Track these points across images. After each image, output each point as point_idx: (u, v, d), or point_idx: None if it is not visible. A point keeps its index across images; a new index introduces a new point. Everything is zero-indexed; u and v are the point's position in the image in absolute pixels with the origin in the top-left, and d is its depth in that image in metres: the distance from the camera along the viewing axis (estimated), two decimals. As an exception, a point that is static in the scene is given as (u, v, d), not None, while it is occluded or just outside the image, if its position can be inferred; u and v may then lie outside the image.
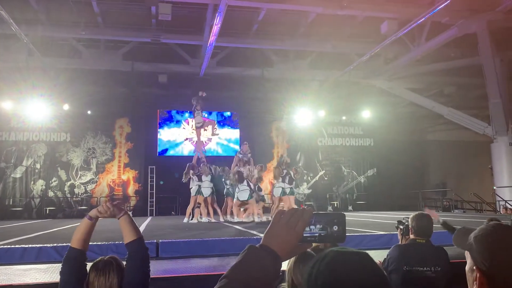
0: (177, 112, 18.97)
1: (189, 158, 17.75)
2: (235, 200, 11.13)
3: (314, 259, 0.96)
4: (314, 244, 1.09)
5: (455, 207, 17.61)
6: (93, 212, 2.39)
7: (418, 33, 14.65)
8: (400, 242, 3.78)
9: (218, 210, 12.07)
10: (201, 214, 11.40)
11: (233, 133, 19.14)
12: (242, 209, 11.35)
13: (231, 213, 11.57)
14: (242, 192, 10.99)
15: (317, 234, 1.03)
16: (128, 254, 2.33)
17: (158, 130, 18.64)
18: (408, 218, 3.54)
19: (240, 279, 0.94)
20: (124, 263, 2.36)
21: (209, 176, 11.38)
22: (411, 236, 3.42)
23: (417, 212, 3.50)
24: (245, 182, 11.08)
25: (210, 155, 17.93)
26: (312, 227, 1.03)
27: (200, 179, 11.34)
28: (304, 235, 1.02)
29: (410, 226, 3.45)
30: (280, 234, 1.01)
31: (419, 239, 3.33)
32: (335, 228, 1.03)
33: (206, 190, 11.33)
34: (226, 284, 0.94)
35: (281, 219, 1.03)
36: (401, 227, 3.79)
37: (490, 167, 15.49)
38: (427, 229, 3.37)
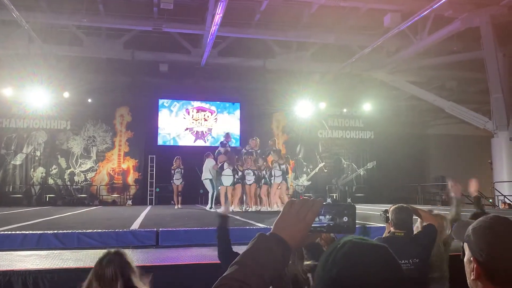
0: (178, 102, 18.91)
1: (189, 148, 17.83)
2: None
3: (331, 246, 0.97)
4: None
5: (454, 201, 17.60)
6: None
7: (421, 26, 14.57)
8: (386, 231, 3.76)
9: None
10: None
11: (233, 124, 19.10)
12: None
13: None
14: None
15: (326, 224, 1.05)
16: None
17: (159, 119, 18.60)
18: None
19: (250, 266, 0.96)
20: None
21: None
22: (391, 229, 3.41)
23: (396, 205, 3.48)
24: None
25: (210, 145, 17.97)
26: (321, 217, 1.05)
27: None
28: (313, 225, 1.04)
29: (389, 219, 3.43)
30: (290, 224, 1.04)
31: (398, 232, 3.31)
32: (345, 219, 1.05)
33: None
34: (236, 270, 0.96)
35: (291, 209, 1.05)
36: (387, 215, 3.74)
37: (490, 162, 15.51)
38: (406, 221, 3.35)
